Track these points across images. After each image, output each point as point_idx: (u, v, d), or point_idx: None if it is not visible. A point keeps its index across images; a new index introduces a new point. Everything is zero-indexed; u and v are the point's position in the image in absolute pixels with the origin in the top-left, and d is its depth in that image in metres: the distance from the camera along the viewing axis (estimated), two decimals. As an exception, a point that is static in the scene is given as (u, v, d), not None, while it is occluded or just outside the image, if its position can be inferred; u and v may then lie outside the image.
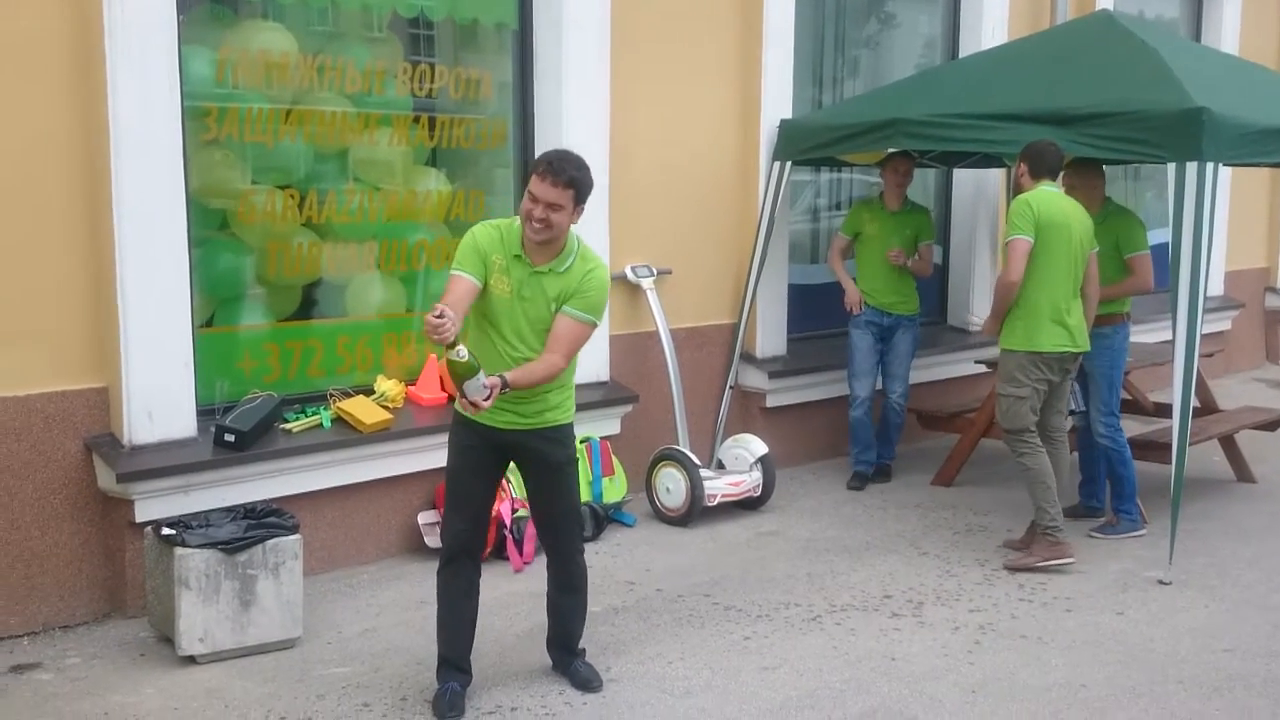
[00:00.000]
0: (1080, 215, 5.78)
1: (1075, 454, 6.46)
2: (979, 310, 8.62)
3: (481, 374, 3.84)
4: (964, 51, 8.53)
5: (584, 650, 4.59)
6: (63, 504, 4.92)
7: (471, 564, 4.35)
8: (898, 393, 7.30)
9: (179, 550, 4.54)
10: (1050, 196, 5.69)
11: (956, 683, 4.51)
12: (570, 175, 3.96)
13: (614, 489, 6.51)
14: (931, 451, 7.73)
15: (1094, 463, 6.55)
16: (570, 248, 4.13)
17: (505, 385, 3.93)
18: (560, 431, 4.28)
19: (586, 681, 4.46)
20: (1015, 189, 5.87)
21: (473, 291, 4.03)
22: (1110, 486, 6.36)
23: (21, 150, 4.70)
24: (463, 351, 3.78)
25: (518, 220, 4.11)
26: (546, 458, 4.27)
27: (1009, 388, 5.78)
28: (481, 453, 4.25)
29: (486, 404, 3.88)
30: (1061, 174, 5.98)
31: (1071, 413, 6.15)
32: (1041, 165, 5.71)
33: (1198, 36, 11.06)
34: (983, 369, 7.76)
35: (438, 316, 3.68)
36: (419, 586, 5.36)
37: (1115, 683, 4.52)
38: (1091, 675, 4.59)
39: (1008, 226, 5.71)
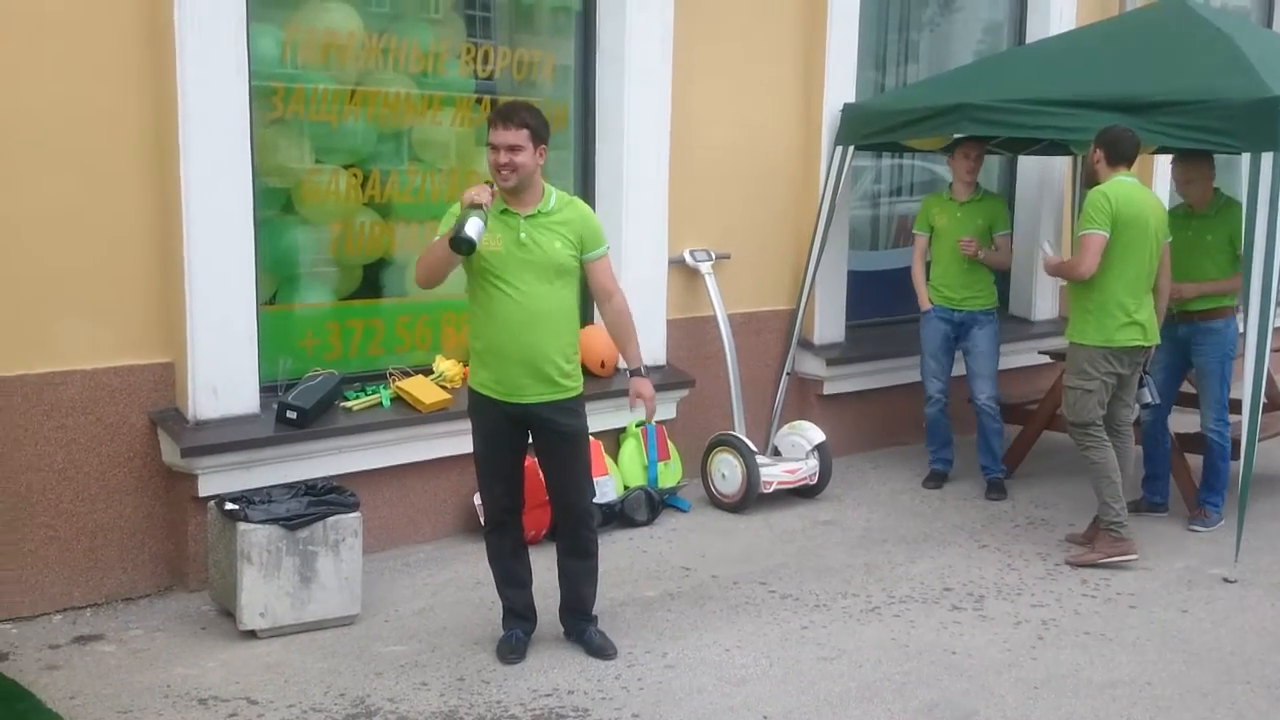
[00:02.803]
0: (1157, 208, 5.65)
1: (1140, 447, 6.36)
2: (1040, 301, 8.55)
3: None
4: (1031, 37, 8.40)
5: (596, 617, 4.64)
6: (127, 477, 4.98)
7: (514, 524, 4.60)
8: (986, 394, 6.83)
9: (241, 525, 4.57)
10: (1127, 189, 5.55)
11: (1019, 678, 4.45)
12: (522, 117, 4.20)
13: (669, 474, 6.49)
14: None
15: (1159, 459, 6.44)
16: (548, 192, 4.35)
17: (643, 370, 4.52)
18: (573, 403, 4.42)
19: (600, 649, 4.53)
20: (1089, 175, 5.74)
21: None
22: (1204, 477, 6.29)
23: (91, 126, 4.74)
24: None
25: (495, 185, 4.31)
26: (561, 428, 4.39)
27: (1077, 380, 5.68)
28: (502, 429, 4.42)
29: (481, 196, 4.13)
30: (1172, 167, 5.85)
31: (1145, 406, 6.04)
32: (1118, 152, 5.57)
33: (1269, 23, 10.82)
34: (1045, 360, 7.65)
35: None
36: (475, 566, 5.37)
37: (1181, 682, 4.44)
38: (1157, 674, 4.51)
39: (1082, 219, 5.58)
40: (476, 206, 4.09)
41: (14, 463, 4.71)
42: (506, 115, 4.20)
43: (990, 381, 6.89)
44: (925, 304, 6.95)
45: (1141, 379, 5.93)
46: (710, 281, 6.71)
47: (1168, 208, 5.95)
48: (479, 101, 6.11)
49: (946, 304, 6.90)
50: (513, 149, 4.17)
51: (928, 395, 6.99)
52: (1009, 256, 7.01)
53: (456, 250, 4.07)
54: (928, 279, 7.01)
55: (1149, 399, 5.98)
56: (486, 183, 4.26)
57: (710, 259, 6.78)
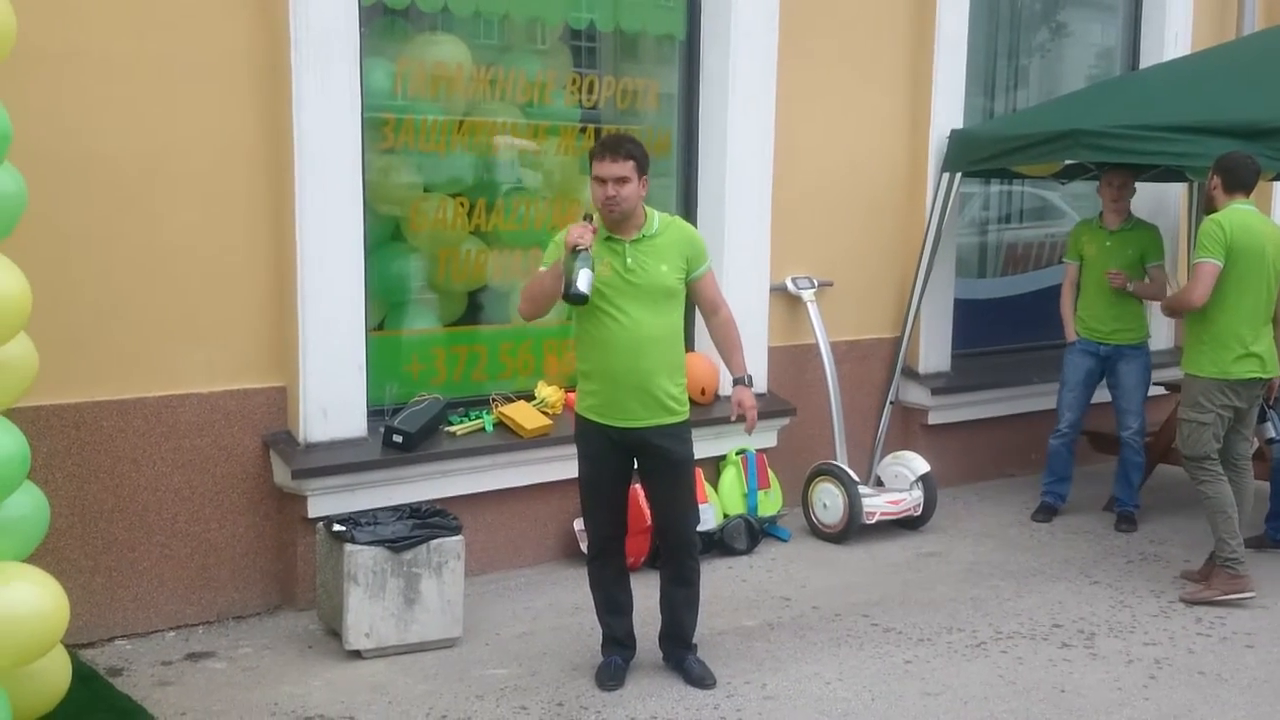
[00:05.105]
0: (1275, 236, 5.48)
1: (1263, 482, 6.14)
2: (1155, 331, 8.31)
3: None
4: (1145, 63, 8.22)
5: (696, 645, 4.63)
6: (240, 498, 5.11)
7: (617, 551, 4.61)
8: (1131, 429, 6.65)
9: (348, 547, 4.66)
10: (1244, 217, 5.40)
11: (1130, 718, 4.32)
12: (627, 149, 4.24)
13: (769, 503, 6.45)
14: (1103, 475, 7.39)
15: (1283, 494, 6.23)
16: (650, 216, 4.37)
17: (749, 380, 4.51)
18: (680, 428, 4.41)
19: (700, 679, 4.51)
20: (1206, 203, 5.59)
21: None
22: None
23: (214, 158, 4.90)
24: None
25: (596, 213, 4.33)
26: (667, 454, 4.38)
27: (1192, 413, 5.51)
28: (608, 455, 4.42)
29: (584, 239, 4.13)
30: None
31: (1269, 442, 5.83)
32: (1235, 180, 5.42)
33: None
34: (1160, 391, 7.43)
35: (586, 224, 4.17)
36: (574, 591, 5.39)
37: (1303, 728, 4.29)
38: (1273, 716, 4.35)
39: (1196, 248, 5.44)
40: (581, 251, 4.09)
41: (133, 483, 4.87)
42: (613, 147, 4.24)
43: (1137, 416, 6.69)
44: (1071, 335, 6.79)
45: (1264, 412, 5.74)
46: (812, 309, 6.67)
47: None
48: (583, 130, 6.17)
49: (1092, 336, 6.72)
50: (620, 181, 4.20)
51: (1058, 427, 6.83)
52: (1163, 288, 6.71)
53: (570, 303, 4.14)
54: (1075, 309, 6.84)
55: (1272, 434, 5.78)
56: (586, 217, 4.28)
57: (813, 286, 6.74)
